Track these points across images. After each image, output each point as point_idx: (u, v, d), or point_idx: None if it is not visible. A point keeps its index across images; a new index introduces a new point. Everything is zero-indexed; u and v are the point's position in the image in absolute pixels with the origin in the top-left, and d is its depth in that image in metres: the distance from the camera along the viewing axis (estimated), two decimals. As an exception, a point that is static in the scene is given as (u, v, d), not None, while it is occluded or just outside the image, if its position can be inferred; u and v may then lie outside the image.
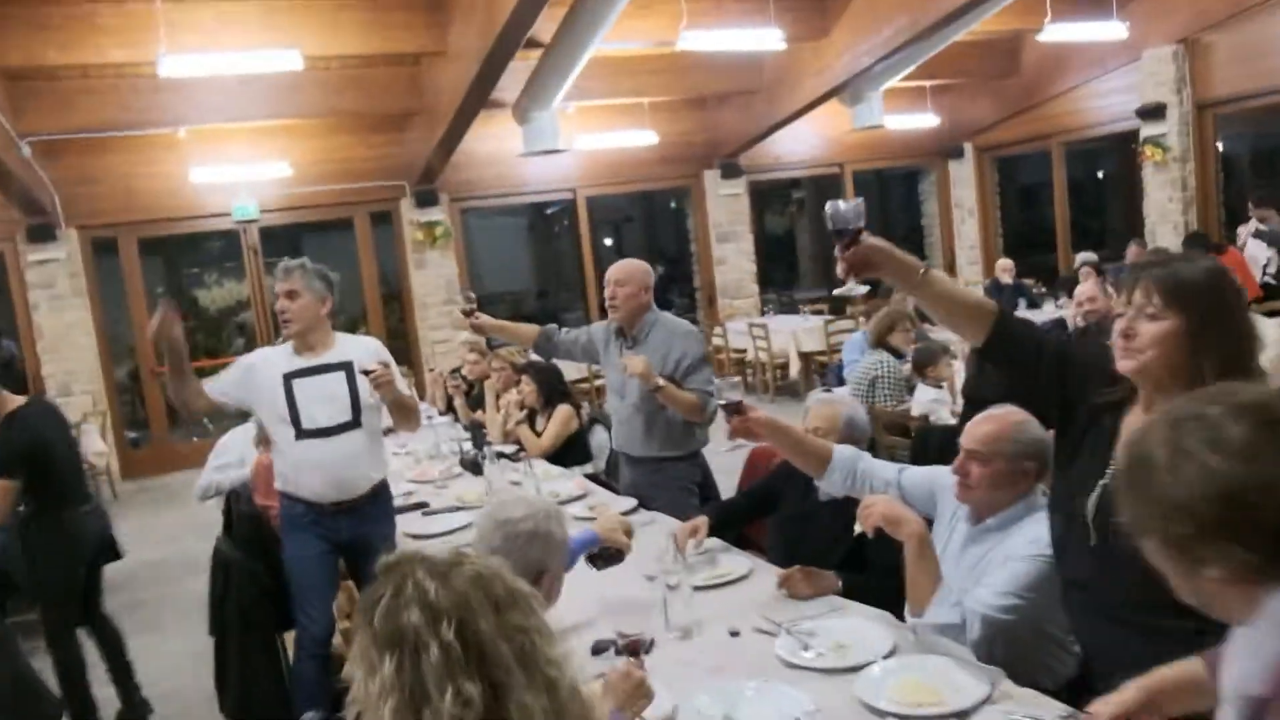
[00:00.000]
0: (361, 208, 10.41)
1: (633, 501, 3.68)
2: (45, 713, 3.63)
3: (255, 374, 3.45)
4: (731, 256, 11.91)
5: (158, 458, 9.88)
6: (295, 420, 3.37)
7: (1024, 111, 11.71)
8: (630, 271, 3.79)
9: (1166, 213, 10.03)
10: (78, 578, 3.90)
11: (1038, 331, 1.98)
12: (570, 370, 5.94)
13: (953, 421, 4.61)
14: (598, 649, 2.34)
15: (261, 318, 10.08)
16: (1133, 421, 1.77)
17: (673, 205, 15.19)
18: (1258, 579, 1.07)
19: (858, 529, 2.20)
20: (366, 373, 3.31)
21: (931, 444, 4.13)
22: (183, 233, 10.29)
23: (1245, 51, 9.25)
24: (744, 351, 10.48)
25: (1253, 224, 8.86)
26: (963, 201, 13.04)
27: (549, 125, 9.37)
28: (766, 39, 7.80)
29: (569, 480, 4.18)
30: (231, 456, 4.70)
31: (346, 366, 3.42)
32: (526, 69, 8.53)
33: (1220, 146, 10.34)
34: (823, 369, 9.56)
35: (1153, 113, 9.81)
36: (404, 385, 3.51)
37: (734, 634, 2.41)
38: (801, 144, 11.98)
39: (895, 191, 16.39)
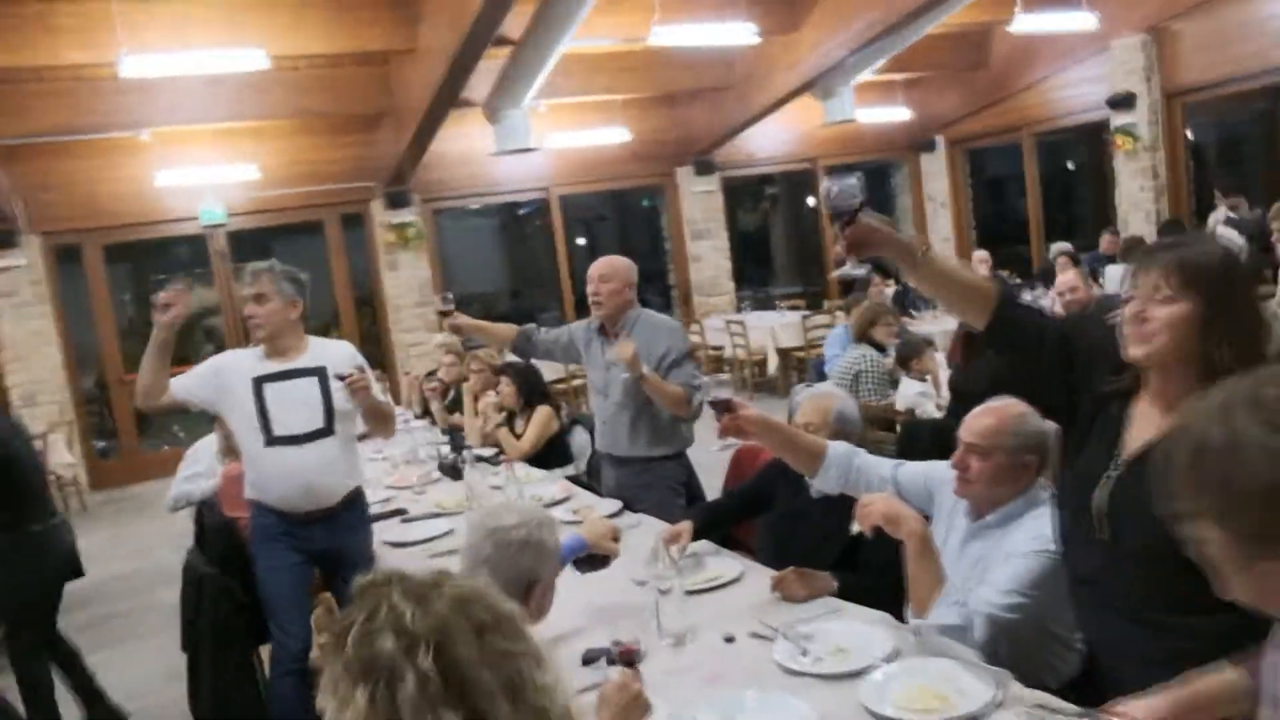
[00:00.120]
0: (332, 210, 10.26)
1: (617, 504, 3.60)
2: None
3: (223, 376, 3.33)
4: (706, 254, 11.86)
5: (127, 468, 9.68)
6: (265, 427, 3.26)
7: (994, 104, 11.74)
8: (614, 268, 3.71)
9: (1138, 201, 10.08)
10: (49, 594, 3.78)
11: (1041, 315, 1.92)
12: (548, 371, 5.85)
13: (938, 415, 4.58)
14: (589, 659, 2.25)
15: (231, 324, 9.91)
16: (1141, 410, 1.71)
17: (645, 203, 15.12)
18: None
19: (855, 529, 2.13)
20: (342, 378, 3.21)
21: (918, 438, 4.08)
22: (149, 238, 10.09)
23: (1213, 39, 9.31)
24: (721, 349, 10.43)
25: (1222, 211, 8.91)
26: (935, 195, 13.07)
27: (520, 124, 9.27)
28: (738, 33, 7.75)
29: (551, 483, 4.10)
30: (201, 466, 4.58)
31: (319, 372, 3.31)
32: (496, 67, 8.43)
33: (1190, 135, 10.41)
34: (801, 365, 9.52)
35: (1123, 102, 9.85)
36: (379, 390, 3.42)
37: (729, 640, 2.33)
38: (774, 140, 11.96)
39: (868, 186, 16.39)
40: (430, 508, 4.01)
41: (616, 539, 2.57)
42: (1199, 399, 1.11)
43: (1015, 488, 2.17)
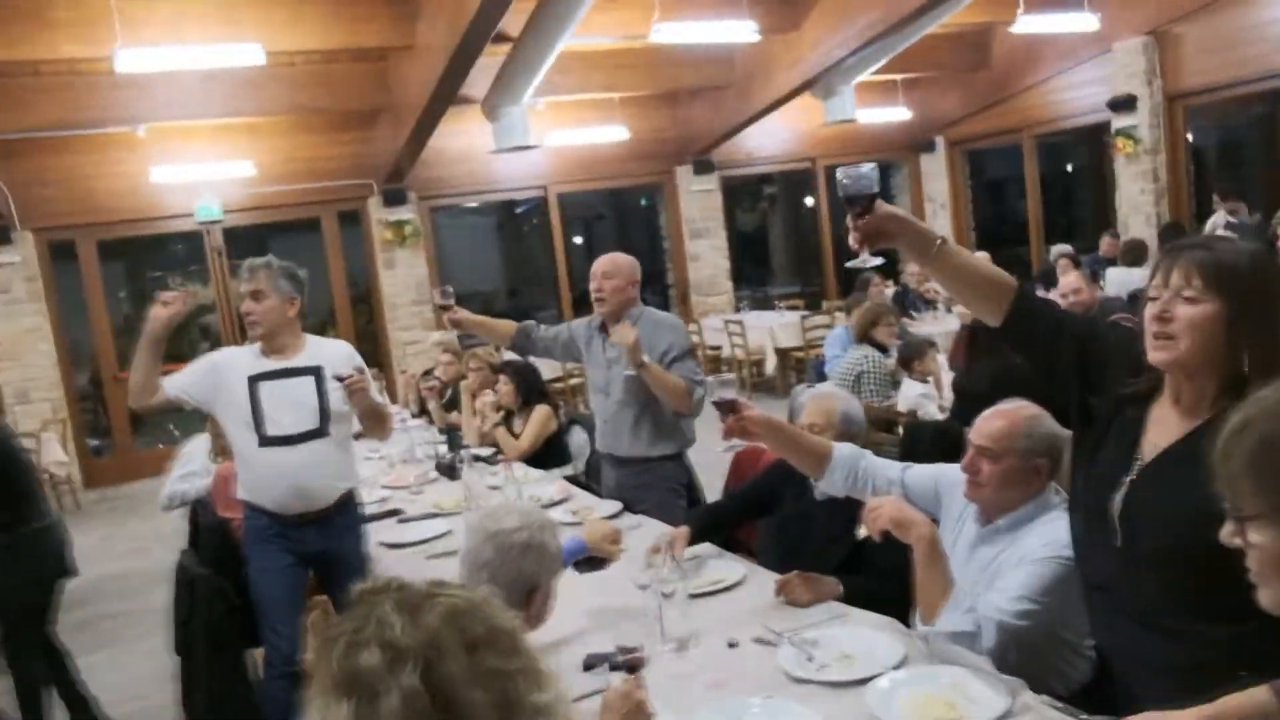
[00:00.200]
0: (328, 207, 10.20)
1: (618, 505, 3.55)
2: None
3: (218, 374, 3.27)
4: (705, 253, 11.82)
5: (121, 466, 9.61)
6: (258, 426, 3.20)
7: (995, 105, 11.71)
8: (618, 265, 3.66)
9: (1138, 204, 10.05)
10: (48, 593, 3.72)
11: (1059, 311, 1.87)
12: (545, 370, 5.81)
13: (940, 416, 4.54)
14: (591, 664, 2.21)
15: (227, 321, 9.85)
16: (1160, 414, 1.67)
17: (644, 202, 15.07)
18: None
19: (862, 532, 2.08)
20: (341, 379, 3.15)
21: (921, 440, 4.03)
22: (144, 235, 10.02)
23: (1215, 43, 9.28)
24: (719, 348, 10.39)
25: (1221, 215, 8.88)
26: (935, 195, 13.04)
27: (519, 121, 9.21)
28: (739, 31, 7.72)
29: (550, 484, 4.05)
30: (196, 465, 4.53)
31: (316, 371, 3.25)
32: (495, 64, 8.38)
33: (1190, 138, 10.39)
34: (800, 365, 9.48)
35: (1124, 104, 9.82)
36: (377, 393, 3.36)
37: (732, 645, 2.28)
38: (773, 139, 11.93)
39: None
40: (427, 508, 3.97)
41: (617, 541, 2.52)
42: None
43: (1026, 492, 2.13)
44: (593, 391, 3.88)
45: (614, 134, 10.34)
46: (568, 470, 4.70)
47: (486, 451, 4.68)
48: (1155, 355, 1.59)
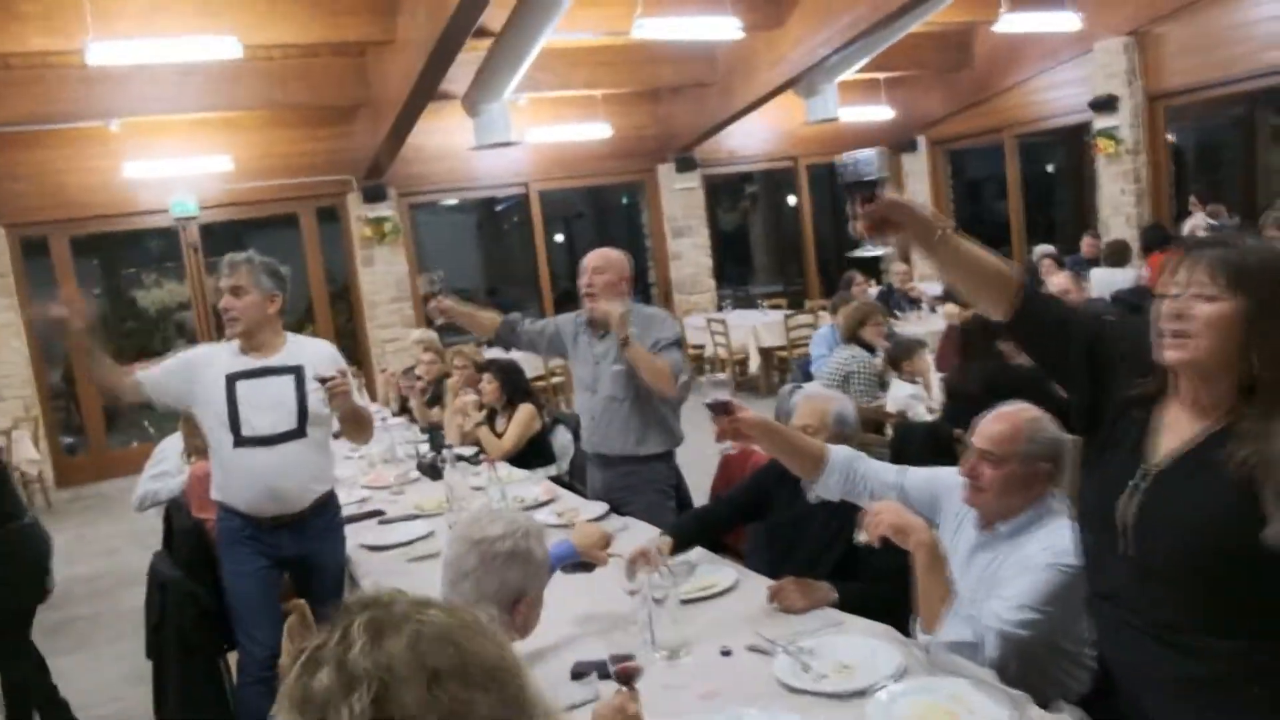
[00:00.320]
0: (307, 203, 10.07)
1: (604, 506, 3.48)
2: None
3: (195, 370, 3.18)
4: (687, 251, 11.77)
5: (95, 465, 9.46)
6: (235, 426, 3.11)
7: (977, 104, 11.72)
8: (609, 260, 3.58)
9: (1119, 205, 10.08)
10: (34, 592, 3.62)
11: (1066, 308, 1.81)
12: (526, 369, 5.72)
13: (930, 417, 4.50)
14: (579, 672, 2.14)
15: (203, 319, 9.71)
16: (1171, 417, 1.61)
17: (624, 201, 15.02)
18: None
19: (861, 538, 2.02)
20: (323, 380, 3.07)
21: (911, 441, 4.00)
22: (118, 230, 9.86)
23: (1195, 43, 9.32)
24: (702, 347, 10.34)
25: (1201, 218, 8.92)
26: (916, 195, 13.01)
27: (500, 118, 9.14)
28: (722, 27, 7.67)
29: (534, 484, 3.98)
30: (169, 465, 4.42)
31: (296, 371, 3.16)
32: (476, 60, 8.29)
33: (1171, 138, 10.44)
34: (784, 364, 9.45)
35: (1105, 105, 9.85)
36: (358, 394, 3.28)
37: (725, 653, 2.22)
38: (755, 138, 11.89)
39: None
40: (409, 509, 3.89)
41: (607, 546, 2.46)
42: None
43: (1028, 497, 2.08)
44: (579, 389, 3.80)
45: (596, 131, 10.28)
46: (552, 470, 4.63)
47: (469, 451, 4.60)
48: (1169, 354, 1.54)
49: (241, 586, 3.18)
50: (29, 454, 8.06)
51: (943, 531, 2.23)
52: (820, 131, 11.56)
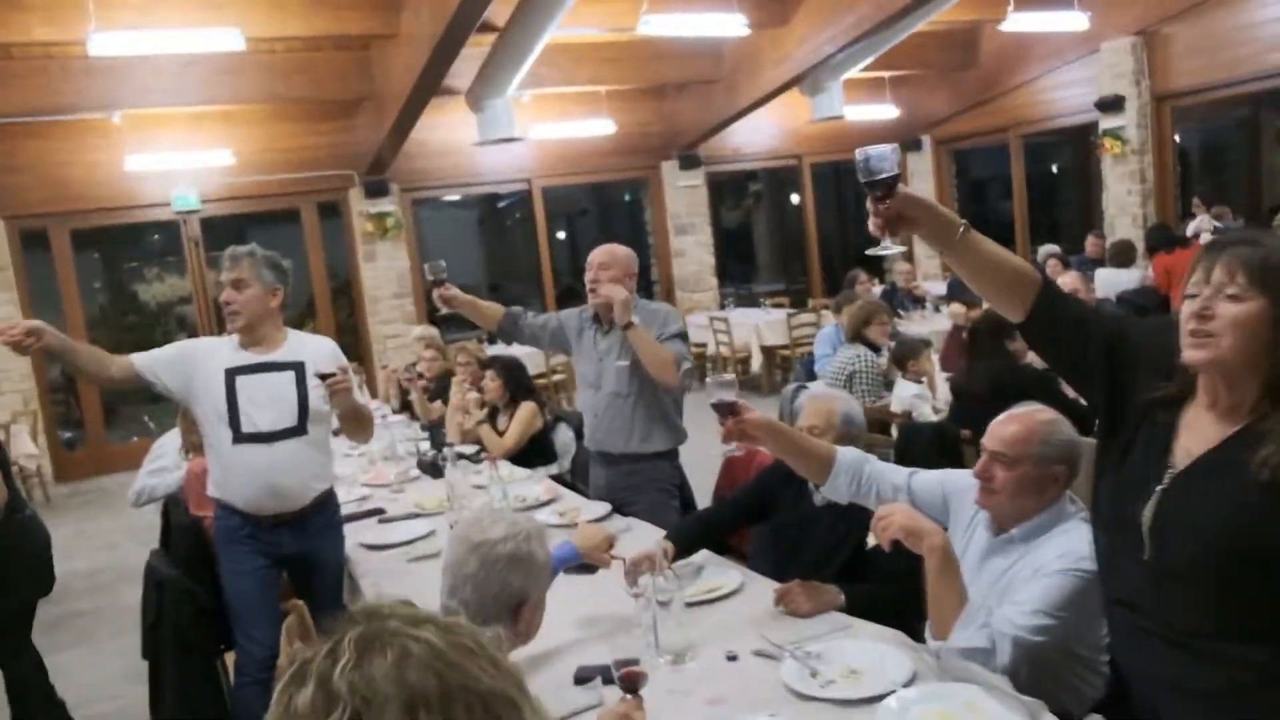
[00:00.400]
0: (309, 198, 10.02)
1: (606, 506, 3.44)
2: None
3: (194, 363, 3.12)
4: (690, 249, 11.73)
5: (94, 459, 9.43)
6: (234, 421, 3.06)
7: (982, 104, 11.67)
8: (615, 255, 3.53)
9: (1125, 205, 10.03)
10: (37, 585, 3.60)
11: (1086, 308, 1.76)
12: (527, 366, 5.68)
13: (935, 418, 4.46)
14: (583, 677, 2.10)
15: (204, 313, 9.67)
16: (1193, 419, 1.57)
17: (627, 198, 14.97)
18: None
19: (871, 541, 1.98)
20: (324, 377, 3.02)
21: (917, 441, 3.96)
22: (119, 224, 9.82)
23: (1203, 44, 9.27)
24: (704, 346, 10.30)
25: (1205, 220, 8.86)
26: (922, 194, 12.96)
27: (504, 113, 9.10)
28: (728, 24, 7.62)
29: (536, 483, 3.93)
30: (168, 460, 4.38)
31: (297, 367, 3.11)
32: (480, 55, 8.25)
33: (1177, 139, 10.39)
34: (786, 363, 9.41)
35: (1111, 105, 9.80)
36: (359, 391, 3.23)
37: (731, 658, 2.17)
38: (760, 135, 11.85)
39: (853, 185, 16.32)
40: (409, 507, 3.85)
41: (610, 547, 2.41)
42: None
43: (1041, 500, 2.03)
44: (582, 386, 3.76)
45: (600, 128, 10.23)
46: (553, 469, 4.59)
47: (470, 449, 4.56)
48: (1193, 354, 1.49)
49: (240, 586, 3.13)
50: (27, 448, 8.02)
51: (953, 535, 2.18)
52: (825, 130, 11.52)
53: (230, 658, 3.36)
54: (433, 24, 6.80)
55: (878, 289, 8.53)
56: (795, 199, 13.40)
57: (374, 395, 7.28)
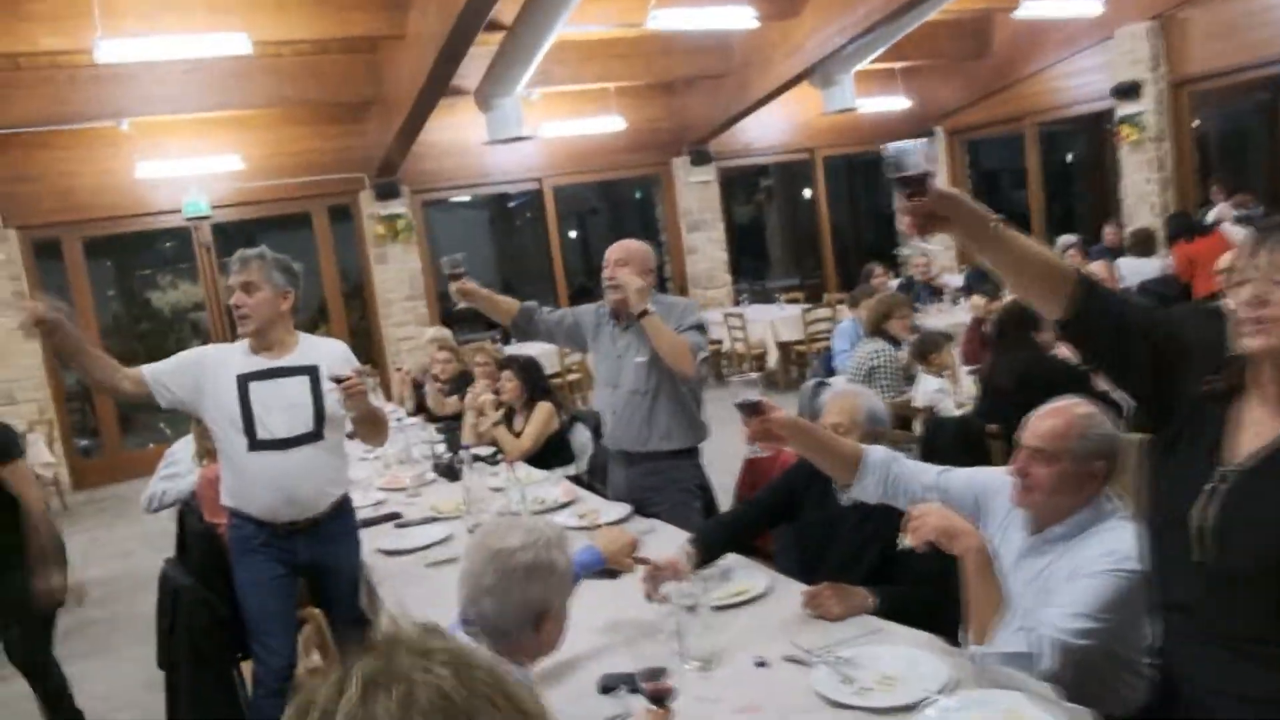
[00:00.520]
0: (319, 202, 10.00)
1: (627, 508, 3.37)
2: None
3: (204, 371, 3.07)
4: (702, 245, 11.65)
5: (110, 467, 9.42)
6: (249, 429, 3.01)
7: (996, 93, 11.55)
8: (631, 251, 3.46)
9: (1143, 193, 9.91)
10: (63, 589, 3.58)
11: (1126, 300, 1.68)
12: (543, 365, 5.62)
13: (958, 412, 4.38)
14: (608, 686, 2.04)
15: (217, 319, 9.65)
16: (1249, 413, 1.49)
17: (638, 195, 14.90)
18: None
19: (904, 543, 1.91)
20: (339, 380, 2.97)
21: (942, 437, 3.88)
22: (130, 232, 9.82)
23: (1221, 27, 9.13)
24: (719, 342, 10.22)
25: (1226, 207, 8.73)
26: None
27: (513, 112, 9.04)
28: (737, 17, 7.55)
29: (554, 485, 3.87)
30: (182, 467, 4.34)
31: (311, 371, 3.06)
32: (488, 54, 8.19)
33: (1196, 125, 10.25)
34: (802, 359, 9.32)
35: (1128, 91, 9.66)
36: (374, 396, 3.18)
37: (760, 664, 2.11)
38: (771, 130, 11.76)
39: (866, 180, 16.21)
40: (426, 511, 3.80)
41: (634, 551, 2.35)
42: None
43: (1082, 497, 1.95)
44: (600, 384, 3.69)
45: (609, 125, 10.17)
46: (571, 470, 4.52)
47: (487, 451, 4.49)
48: (1251, 342, 1.41)
49: (256, 595, 3.08)
50: (43, 457, 8.01)
51: (986, 534, 2.11)
52: (837, 123, 11.43)
53: (247, 667, 3.31)
54: (440, 23, 6.74)
55: (894, 282, 8.43)
56: (808, 193, 13.31)
57: (388, 398, 7.24)
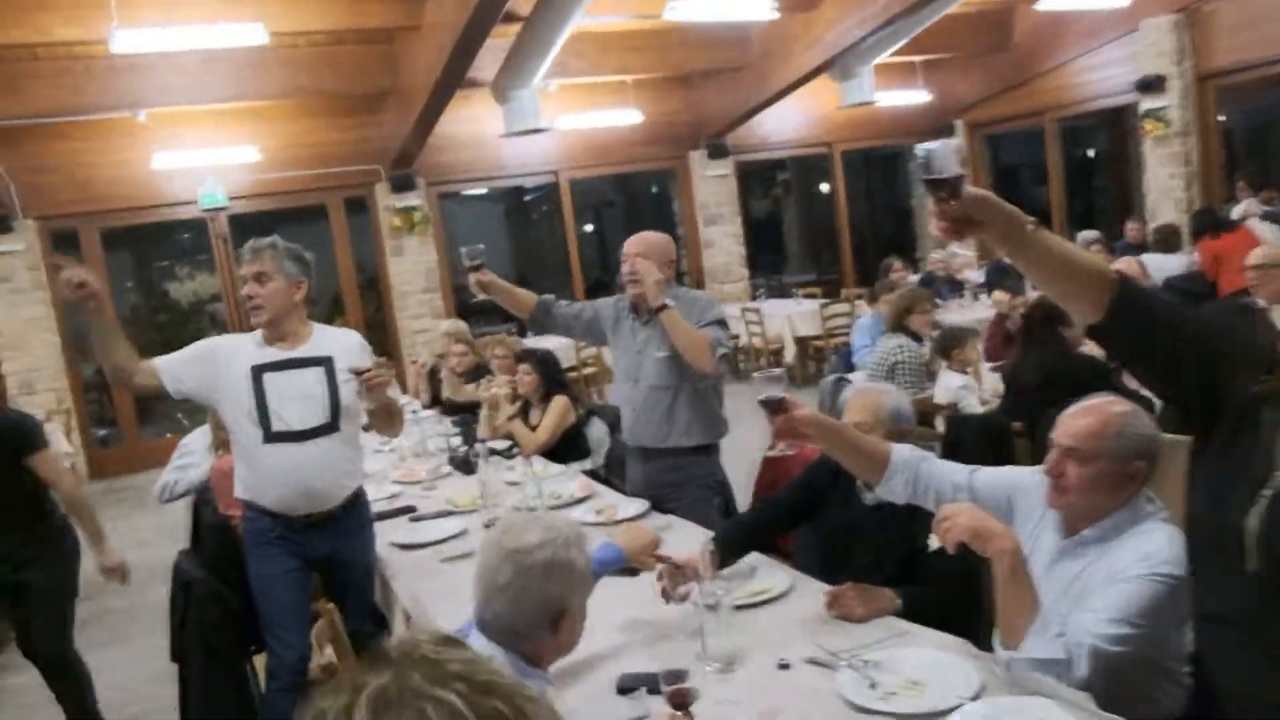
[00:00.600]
0: (335, 193, 9.98)
1: (644, 503, 3.32)
2: None
3: (217, 362, 3.04)
4: (719, 240, 11.58)
5: (128, 456, 9.45)
6: (264, 421, 2.97)
7: (1017, 87, 11.42)
8: (650, 243, 3.40)
9: (1167, 189, 9.77)
10: (75, 585, 3.65)
11: (1168, 302, 1.61)
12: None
13: (980, 409, 4.31)
14: (627, 687, 1.99)
15: (234, 310, 9.66)
16: None
17: (654, 189, 14.84)
18: None
19: (933, 544, 1.85)
20: (360, 372, 2.93)
21: (966, 435, 3.81)
22: (148, 223, 9.84)
23: (1249, 19, 8.98)
24: (736, 337, 10.16)
25: (1254, 204, 8.59)
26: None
27: (529, 104, 8.99)
28: (756, 9, 7.47)
29: (570, 480, 3.82)
30: (195, 457, 4.33)
31: (325, 362, 3.02)
32: (505, 46, 8.15)
33: (1222, 119, 10.10)
34: (820, 354, 9.25)
35: (1153, 85, 9.52)
36: (391, 388, 3.15)
37: (783, 666, 2.06)
38: (789, 123, 11.67)
39: (884, 173, 16.10)
40: (441, 505, 3.76)
41: (656, 550, 2.30)
42: None
43: (1118, 499, 1.89)
44: (619, 378, 3.64)
45: (626, 118, 10.11)
46: (586, 464, 4.48)
47: (503, 444, 4.46)
48: None
49: (272, 589, 3.05)
50: (62, 446, 8.02)
51: (1019, 536, 2.05)
52: (854, 116, 11.33)
53: (260, 660, 3.29)
54: (456, 14, 6.70)
55: (914, 277, 8.34)
56: (825, 187, 13.22)
57: (403, 390, 7.22)
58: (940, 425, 4.28)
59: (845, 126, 11.80)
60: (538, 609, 1.69)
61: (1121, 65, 10.01)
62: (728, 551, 2.46)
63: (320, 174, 9.62)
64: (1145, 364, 1.56)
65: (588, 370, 9.14)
